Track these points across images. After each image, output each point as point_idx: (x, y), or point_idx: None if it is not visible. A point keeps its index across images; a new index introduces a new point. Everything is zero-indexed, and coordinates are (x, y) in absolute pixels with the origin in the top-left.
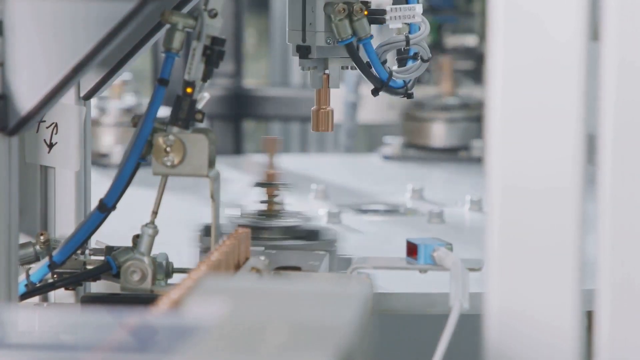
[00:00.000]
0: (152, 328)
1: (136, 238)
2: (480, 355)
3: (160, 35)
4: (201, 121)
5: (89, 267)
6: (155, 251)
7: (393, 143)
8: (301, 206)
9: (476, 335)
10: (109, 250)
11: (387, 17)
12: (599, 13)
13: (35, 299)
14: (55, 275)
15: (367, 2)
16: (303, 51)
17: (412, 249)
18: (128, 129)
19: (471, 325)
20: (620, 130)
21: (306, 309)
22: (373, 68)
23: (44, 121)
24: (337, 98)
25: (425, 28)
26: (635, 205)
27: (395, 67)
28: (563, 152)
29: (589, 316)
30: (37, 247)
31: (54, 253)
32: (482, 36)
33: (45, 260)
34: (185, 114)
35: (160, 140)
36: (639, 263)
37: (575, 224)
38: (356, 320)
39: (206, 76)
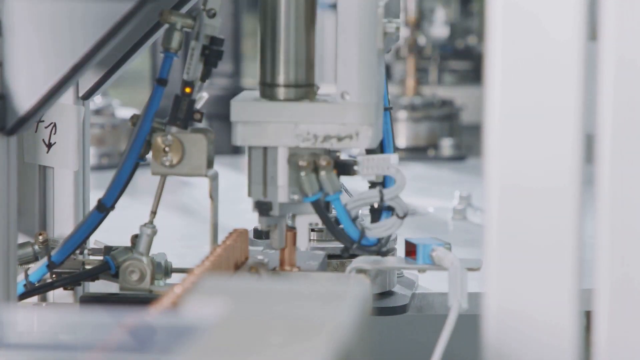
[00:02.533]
0: (152, 328)
1: (134, 238)
2: (479, 355)
3: (159, 35)
4: (200, 121)
5: (88, 267)
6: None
7: None
8: None
9: (475, 335)
10: (108, 250)
11: (358, 168)
12: (597, 13)
13: (34, 298)
14: (54, 275)
15: (336, 152)
16: (263, 208)
17: (410, 249)
18: (97, 130)
19: (470, 325)
20: (618, 129)
21: (305, 308)
22: (343, 226)
23: (43, 121)
24: None
25: (401, 181)
26: (634, 204)
27: (368, 221)
28: (561, 151)
29: (588, 316)
30: (36, 247)
31: (53, 253)
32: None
33: (44, 260)
34: (184, 114)
35: (159, 140)
36: (638, 263)
37: (574, 224)
38: (355, 320)
39: (205, 76)
